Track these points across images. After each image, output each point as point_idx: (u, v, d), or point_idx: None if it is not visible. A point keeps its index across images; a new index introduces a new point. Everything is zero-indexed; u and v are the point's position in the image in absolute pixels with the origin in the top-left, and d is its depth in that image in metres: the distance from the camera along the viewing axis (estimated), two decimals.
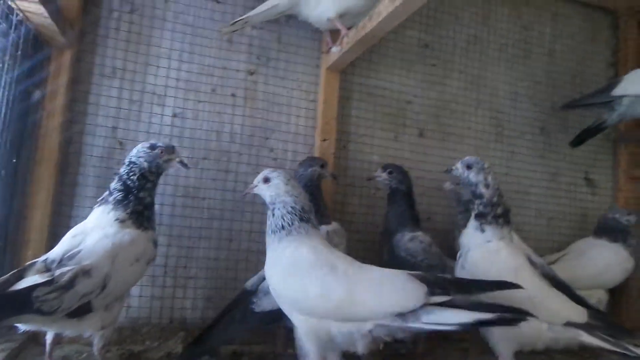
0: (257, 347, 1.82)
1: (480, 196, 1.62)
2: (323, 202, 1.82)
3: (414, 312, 1.24)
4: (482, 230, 1.61)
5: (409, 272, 1.33)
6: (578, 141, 2.46)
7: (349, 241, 1.87)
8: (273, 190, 1.43)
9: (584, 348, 1.57)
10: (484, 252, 1.59)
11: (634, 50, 2.72)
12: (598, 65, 2.81)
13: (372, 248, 2.19)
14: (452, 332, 1.91)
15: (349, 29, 1.95)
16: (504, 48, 2.60)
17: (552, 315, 1.51)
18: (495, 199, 1.60)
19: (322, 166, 1.85)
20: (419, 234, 1.89)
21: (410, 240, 1.87)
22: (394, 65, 2.38)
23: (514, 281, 1.47)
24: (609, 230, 2.22)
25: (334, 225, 1.78)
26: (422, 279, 1.28)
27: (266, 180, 1.45)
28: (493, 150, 2.52)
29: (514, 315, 1.22)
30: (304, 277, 1.31)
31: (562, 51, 2.73)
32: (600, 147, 2.73)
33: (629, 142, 2.64)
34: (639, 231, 2.25)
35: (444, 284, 1.28)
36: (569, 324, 1.48)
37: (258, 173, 1.49)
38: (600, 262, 2.16)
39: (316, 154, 2.14)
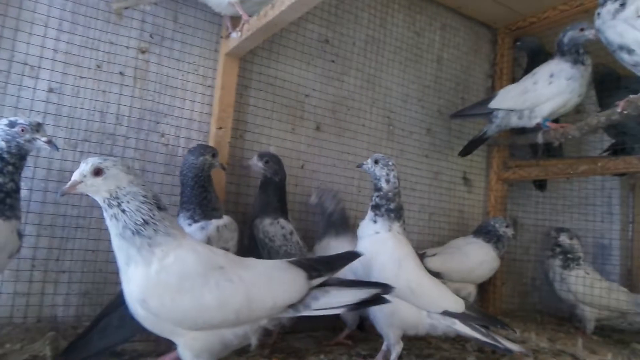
0: (140, 344, 1.71)
1: (379, 189, 1.72)
2: (214, 194, 1.73)
3: (302, 301, 1.26)
4: (374, 222, 1.69)
5: (285, 260, 1.35)
6: (465, 152, 2.70)
7: (241, 234, 1.83)
8: (111, 182, 1.17)
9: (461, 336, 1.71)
10: (373, 241, 1.67)
11: (508, 65, 3.02)
12: (479, 75, 3.08)
13: None
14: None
15: (250, 16, 1.90)
16: (398, 51, 2.73)
17: (431, 304, 1.62)
18: (391, 195, 1.70)
19: (214, 155, 1.73)
20: (282, 220, 1.91)
21: (270, 224, 1.89)
22: (294, 58, 2.38)
23: (398, 270, 1.58)
24: (486, 233, 2.46)
25: (225, 219, 1.69)
26: (298, 264, 1.31)
27: (97, 172, 1.17)
28: (384, 148, 2.64)
29: (386, 289, 1.30)
30: (196, 291, 1.16)
31: (448, 59, 2.95)
32: (477, 150, 3.00)
33: (499, 146, 2.93)
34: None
35: (315, 265, 1.32)
36: (446, 313, 1.60)
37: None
38: (475, 258, 2.38)
39: (211, 142, 2.05)
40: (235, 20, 2.01)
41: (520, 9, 2.81)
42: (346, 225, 2.08)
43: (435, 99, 2.87)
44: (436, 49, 2.90)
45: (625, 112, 1.85)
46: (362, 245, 1.67)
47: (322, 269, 1.30)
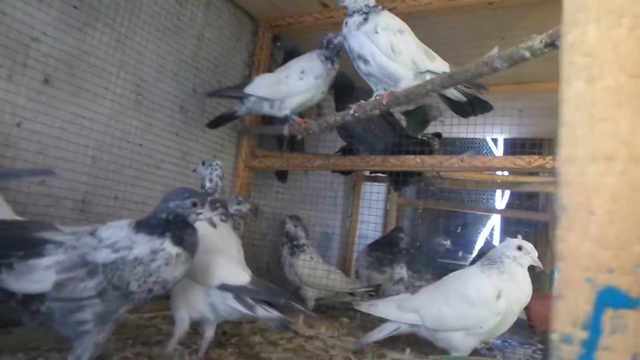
0: None
1: (203, 187, 1.98)
2: None
3: None
4: None
5: None
6: (213, 124, 2.67)
7: None
8: None
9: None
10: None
11: (266, 58, 3.13)
12: (237, 62, 3.09)
13: None
14: None
15: None
16: (156, 16, 2.50)
17: (208, 278, 1.49)
18: (211, 191, 1.95)
19: None
20: None
21: None
22: None
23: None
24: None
25: None
26: None
27: None
28: (130, 118, 2.37)
29: None
30: None
31: (209, 39, 2.87)
32: (227, 135, 3.01)
33: (249, 134, 3.01)
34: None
35: None
36: (223, 287, 1.48)
37: None
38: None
39: None
40: None
41: (281, 8, 2.94)
42: None
43: (191, 77, 2.74)
44: (198, 26, 2.78)
45: (356, 114, 2.11)
46: None
47: None
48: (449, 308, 1.95)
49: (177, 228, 1.31)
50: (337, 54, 2.49)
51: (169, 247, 1.27)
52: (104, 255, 1.22)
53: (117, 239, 1.26)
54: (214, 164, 1.99)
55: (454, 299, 1.95)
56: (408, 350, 2.15)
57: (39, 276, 1.15)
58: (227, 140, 3.00)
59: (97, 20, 2.21)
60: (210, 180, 1.96)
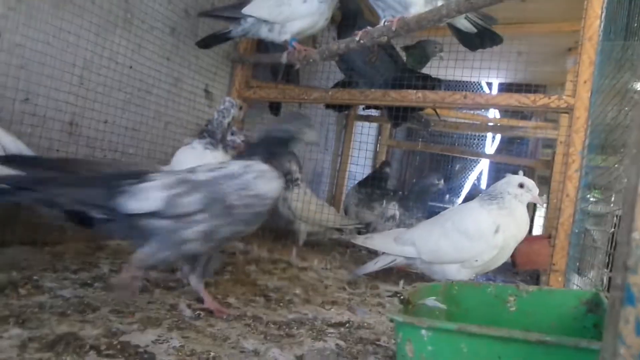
0: None
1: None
2: None
3: None
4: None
5: None
6: (204, 44, 2.52)
7: None
8: None
9: None
10: None
11: None
12: None
13: None
14: None
15: None
16: None
17: None
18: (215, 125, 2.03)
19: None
20: None
21: None
22: None
23: None
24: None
25: None
26: None
27: None
28: (119, 38, 2.22)
29: None
30: None
31: None
32: (220, 64, 2.87)
33: (243, 63, 2.87)
34: None
35: None
36: None
37: None
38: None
39: None
40: None
41: None
42: None
43: None
44: None
45: (362, 41, 2.00)
46: None
47: None
48: (446, 241, 1.96)
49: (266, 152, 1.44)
50: None
51: (259, 164, 1.39)
52: (202, 175, 1.36)
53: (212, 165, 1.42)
54: (226, 102, 2.08)
55: (452, 232, 1.96)
56: (402, 282, 2.18)
57: (149, 195, 1.28)
58: (220, 69, 2.86)
59: None
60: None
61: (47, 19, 1.91)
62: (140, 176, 1.33)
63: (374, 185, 3.38)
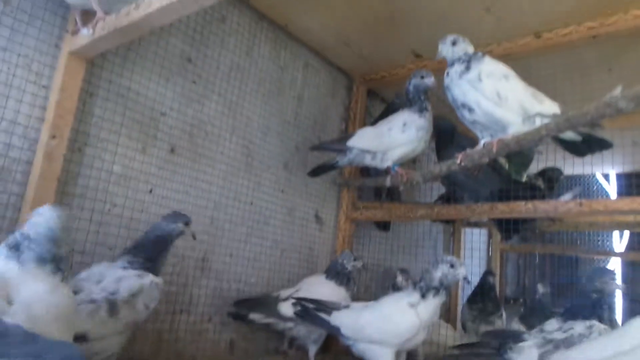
0: None
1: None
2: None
3: None
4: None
5: None
6: (314, 173, 2.76)
7: None
8: None
9: None
10: None
11: (361, 111, 3.22)
12: (334, 117, 3.21)
13: None
14: None
15: (107, 13, 1.67)
16: (262, 82, 2.70)
17: None
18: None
19: (186, 224, 1.79)
20: None
21: None
22: (153, 71, 2.16)
23: None
24: (336, 274, 2.42)
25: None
26: None
27: None
28: (242, 179, 2.53)
29: None
30: None
31: (308, 98, 3.02)
32: (328, 190, 3.09)
33: (349, 187, 3.06)
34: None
35: None
36: None
37: None
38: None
39: (40, 153, 1.71)
40: (88, 16, 1.75)
41: (374, 62, 3.04)
42: None
43: (294, 135, 2.89)
44: (298, 86, 2.95)
45: (462, 163, 2.07)
46: None
47: None
48: None
49: None
50: (420, 98, 2.42)
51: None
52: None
53: None
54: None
55: None
56: None
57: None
58: (329, 195, 3.07)
59: (212, 92, 2.43)
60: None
61: (186, 172, 2.27)
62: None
63: (483, 299, 3.20)
